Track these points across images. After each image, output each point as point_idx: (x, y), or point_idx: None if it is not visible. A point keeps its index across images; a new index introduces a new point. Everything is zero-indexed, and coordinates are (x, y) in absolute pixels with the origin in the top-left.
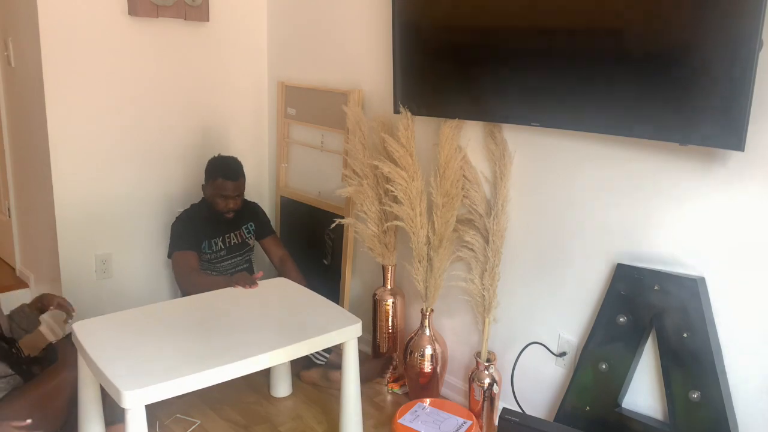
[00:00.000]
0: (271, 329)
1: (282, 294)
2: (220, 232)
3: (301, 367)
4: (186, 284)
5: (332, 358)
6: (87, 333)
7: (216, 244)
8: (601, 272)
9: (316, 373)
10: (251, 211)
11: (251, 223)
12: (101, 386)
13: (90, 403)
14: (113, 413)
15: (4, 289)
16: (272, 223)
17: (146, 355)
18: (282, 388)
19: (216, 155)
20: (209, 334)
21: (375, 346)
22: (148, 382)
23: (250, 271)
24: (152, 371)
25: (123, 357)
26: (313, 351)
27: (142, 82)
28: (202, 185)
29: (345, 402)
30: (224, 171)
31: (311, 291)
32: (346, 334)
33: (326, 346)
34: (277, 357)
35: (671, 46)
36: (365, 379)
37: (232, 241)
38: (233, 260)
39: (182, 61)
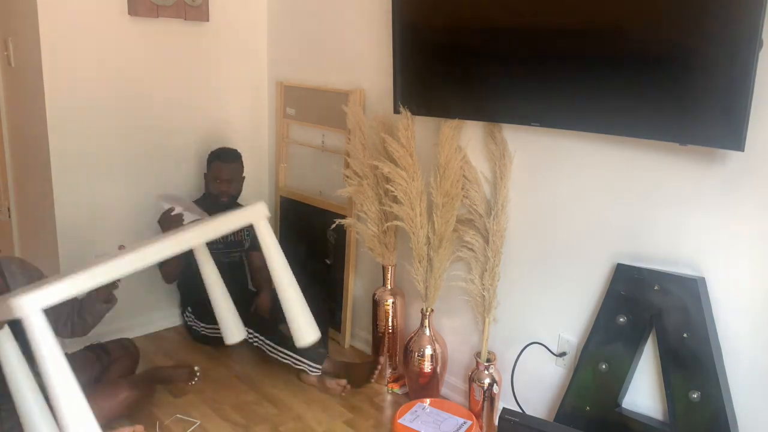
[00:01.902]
0: None
1: None
2: None
3: (298, 371)
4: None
5: (325, 366)
6: None
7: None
8: (601, 272)
9: (314, 380)
10: None
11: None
12: None
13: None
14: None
15: None
16: (271, 223)
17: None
18: (235, 333)
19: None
20: None
21: (375, 346)
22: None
23: (243, 269)
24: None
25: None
26: (221, 233)
27: (142, 82)
28: (204, 174)
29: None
30: (220, 155)
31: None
32: (254, 215)
33: (236, 227)
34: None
35: (671, 45)
36: (355, 385)
37: (229, 238)
38: (231, 256)
39: (182, 61)
